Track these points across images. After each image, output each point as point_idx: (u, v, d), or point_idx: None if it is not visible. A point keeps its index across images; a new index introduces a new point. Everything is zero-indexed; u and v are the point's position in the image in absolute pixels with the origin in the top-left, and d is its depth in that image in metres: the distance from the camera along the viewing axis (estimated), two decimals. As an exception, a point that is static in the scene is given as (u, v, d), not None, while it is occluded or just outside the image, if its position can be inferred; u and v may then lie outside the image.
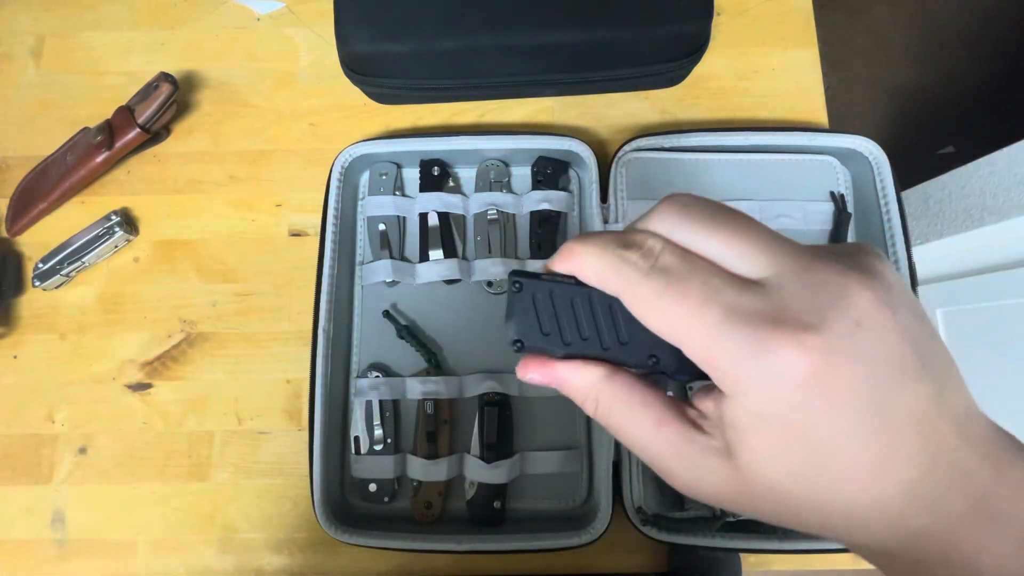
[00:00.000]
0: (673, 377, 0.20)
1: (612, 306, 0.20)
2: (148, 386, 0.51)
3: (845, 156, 0.52)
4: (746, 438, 0.17)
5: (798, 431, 0.16)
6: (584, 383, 0.20)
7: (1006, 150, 0.81)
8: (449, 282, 0.50)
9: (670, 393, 0.46)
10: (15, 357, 0.52)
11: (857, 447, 0.16)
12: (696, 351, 0.17)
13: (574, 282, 0.20)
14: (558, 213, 0.51)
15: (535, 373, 0.21)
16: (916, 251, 0.96)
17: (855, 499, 0.16)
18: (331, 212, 0.49)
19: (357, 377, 0.49)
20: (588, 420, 0.48)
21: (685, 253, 0.18)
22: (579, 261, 0.20)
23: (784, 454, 0.16)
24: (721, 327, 0.16)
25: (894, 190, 0.48)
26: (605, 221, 0.50)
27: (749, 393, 0.16)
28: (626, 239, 0.19)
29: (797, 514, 0.17)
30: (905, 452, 0.16)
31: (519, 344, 0.21)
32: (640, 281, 0.18)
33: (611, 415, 0.20)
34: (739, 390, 0.17)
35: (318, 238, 0.49)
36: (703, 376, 0.18)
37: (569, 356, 0.21)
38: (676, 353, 0.18)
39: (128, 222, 0.54)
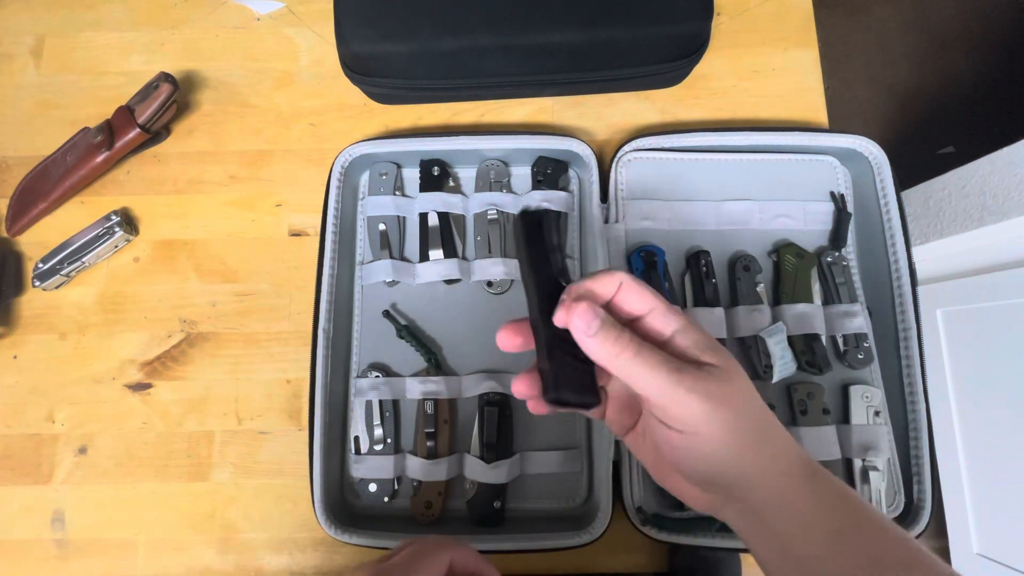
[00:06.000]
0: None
1: None
2: (148, 386, 0.51)
3: (845, 156, 0.52)
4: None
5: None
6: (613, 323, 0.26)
7: (1006, 150, 0.81)
8: (449, 282, 0.50)
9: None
10: (15, 357, 0.52)
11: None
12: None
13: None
14: (558, 213, 0.51)
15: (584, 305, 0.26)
16: (916, 251, 0.96)
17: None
18: (331, 212, 0.49)
19: (357, 377, 0.49)
20: (588, 420, 0.48)
21: None
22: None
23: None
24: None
25: (894, 190, 0.48)
26: (605, 221, 0.50)
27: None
28: None
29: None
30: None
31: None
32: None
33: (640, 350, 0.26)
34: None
35: (318, 238, 0.49)
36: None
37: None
38: None
39: (128, 222, 0.54)
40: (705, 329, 0.27)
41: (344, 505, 0.47)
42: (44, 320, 0.53)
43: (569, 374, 0.27)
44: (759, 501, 0.26)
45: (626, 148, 0.51)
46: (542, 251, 0.29)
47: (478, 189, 0.52)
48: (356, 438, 0.47)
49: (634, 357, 0.25)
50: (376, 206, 0.51)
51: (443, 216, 0.51)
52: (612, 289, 0.27)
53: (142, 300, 0.53)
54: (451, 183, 0.53)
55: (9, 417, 0.51)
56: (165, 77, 0.52)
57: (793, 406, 0.46)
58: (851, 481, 0.45)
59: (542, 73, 0.52)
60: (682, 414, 0.25)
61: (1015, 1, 1.40)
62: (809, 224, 0.51)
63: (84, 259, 0.52)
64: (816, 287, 0.49)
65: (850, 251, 0.50)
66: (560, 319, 0.26)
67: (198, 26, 0.59)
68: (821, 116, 0.56)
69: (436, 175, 0.52)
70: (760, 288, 0.48)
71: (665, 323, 0.27)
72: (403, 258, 0.51)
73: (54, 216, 0.55)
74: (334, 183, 0.50)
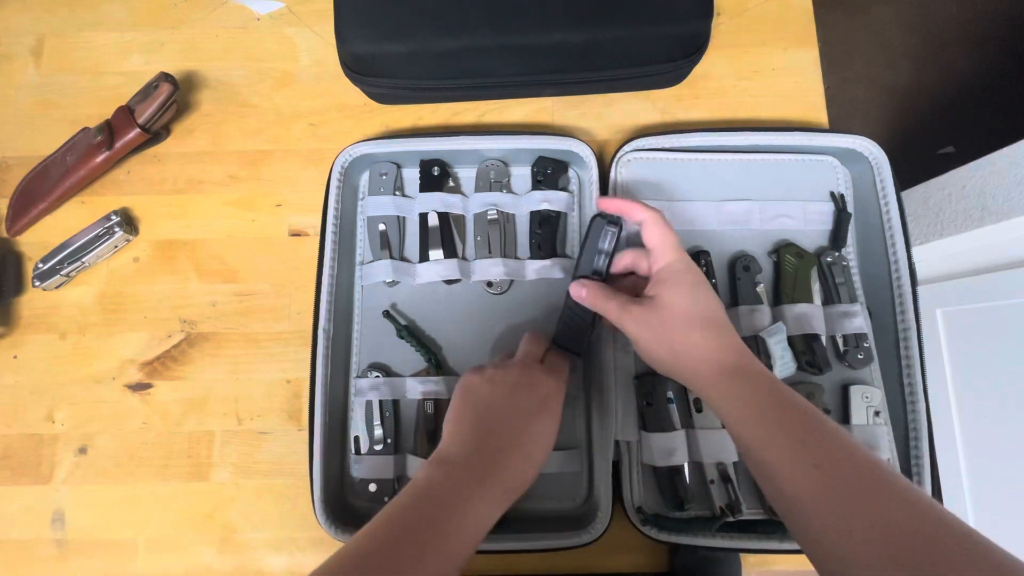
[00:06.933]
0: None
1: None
2: (148, 386, 0.51)
3: (845, 156, 0.52)
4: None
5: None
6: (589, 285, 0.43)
7: (1006, 150, 0.81)
8: (449, 282, 0.50)
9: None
10: (15, 357, 0.52)
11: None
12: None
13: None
14: (558, 213, 0.51)
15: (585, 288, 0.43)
16: (916, 251, 0.96)
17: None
18: (331, 212, 0.49)
19: (357, 377, 0.49)
20: (588, 420, 0.48)
21: None
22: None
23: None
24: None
25: (894, 190, 0.48)
26: (605, 221, 0.50)
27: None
28: None
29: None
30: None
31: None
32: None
33: (597, 297, 0.42)
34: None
35: (318, 238, 0.49)
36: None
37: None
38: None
39: (128, 222, 0.54)
40: (672, 270, 0.39)
41: (344, 505, 0.47)
42: (44, 320, 0.53)
43: (566, 331, 0.44)
44: (696, 389, 0.38)
45: (626, 148, 0.51)
46: (592, 249, 0.43)
47: (478, 189, 0.52)
48: (356, 438, 0.47)
49: (603, 305, 0.41)
50: (376, 206, 0.51)
51: (443, 216, 0.51)
52: (636, 216, 0.41)
53: (142, 300, 0.53)
54: (451, 183, 0.53)
55: (9, 417, 0.51)
56: (165, 77, 0.52)
57: (793, 406, 0.46)
58: (851, 481, 0.45)
59: (542, 73, 0.52)
60: (628, 333, 0.40)
61: (1015, 1, 1.40)
62: (809, 224, 0.51)
63: (84, 259, 0.52)
64: (816, 287, 0.49)
65: (850, 251, 0.50)
66: (572, 293, 0.44)
67: (198, 26, 0.59)
68: (821, 116, 0.56)
69: (436, 175, 0.52)
70: (760, 288, 0.49)
71: (657, 260, 0.40)
72: (403, 258, 0.51)
73: (54, 216, 0.55)
74: (334, 183, 0.50)
